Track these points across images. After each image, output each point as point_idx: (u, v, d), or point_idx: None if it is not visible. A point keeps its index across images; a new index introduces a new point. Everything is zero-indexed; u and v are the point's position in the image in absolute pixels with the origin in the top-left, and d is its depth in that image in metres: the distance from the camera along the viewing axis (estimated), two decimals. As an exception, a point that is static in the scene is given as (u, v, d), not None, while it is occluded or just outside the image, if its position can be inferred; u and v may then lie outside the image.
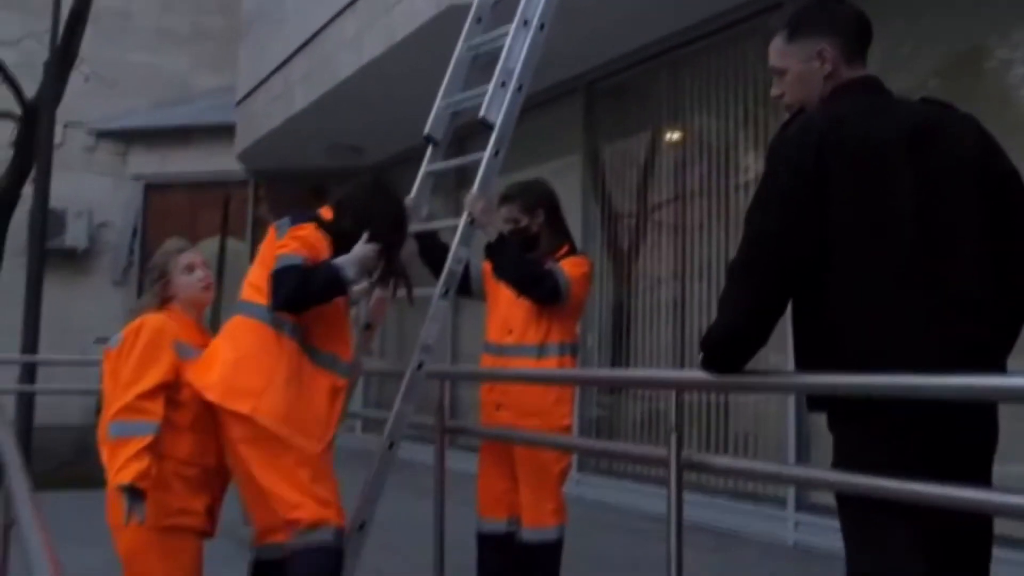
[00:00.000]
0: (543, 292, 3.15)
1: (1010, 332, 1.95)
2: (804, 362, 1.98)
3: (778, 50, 2.05)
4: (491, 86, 3.10)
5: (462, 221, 3.08)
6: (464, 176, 6.11)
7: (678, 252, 6.24)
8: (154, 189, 12.00)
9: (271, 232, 2.81)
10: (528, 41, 3.17)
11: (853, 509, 1.91)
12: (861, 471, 1.87)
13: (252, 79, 9.54)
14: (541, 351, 3.22)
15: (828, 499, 4.78)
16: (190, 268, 2.79)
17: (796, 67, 2.01)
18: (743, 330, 1.97)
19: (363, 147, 9.44)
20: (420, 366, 2.91)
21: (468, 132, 4.01)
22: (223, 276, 11.50)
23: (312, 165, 10.28)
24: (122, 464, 2.41)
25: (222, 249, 11.59)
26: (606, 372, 5.39)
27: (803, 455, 4.92)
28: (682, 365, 6.05)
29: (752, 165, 6.06)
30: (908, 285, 1.81)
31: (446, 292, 3.00)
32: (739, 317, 1.96)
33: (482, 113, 3.06)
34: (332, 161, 9.98)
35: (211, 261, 11.60)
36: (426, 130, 3.41)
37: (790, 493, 5.00)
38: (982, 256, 1.87)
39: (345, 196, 2.94)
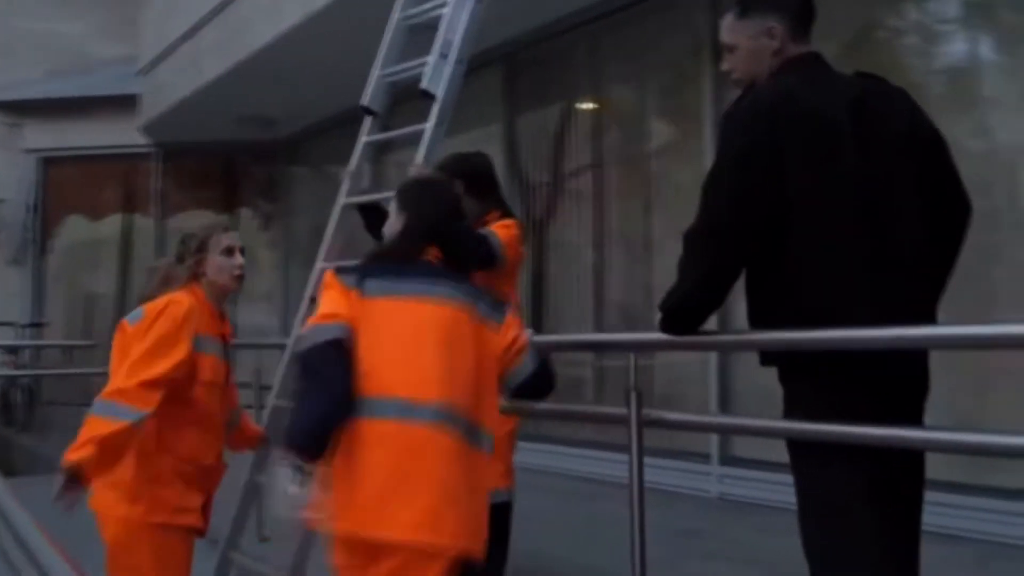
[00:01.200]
0: (479, 258, 3.23)
1: (940, 285, 2.14)
2: (758, 319, 2.12)
3: (729, 27, 2.16)
4: (432, 57, 3.12)
5: None
6: (389, 144, 6.12)
7: (595, 220, 6.42)
8: (51, 163, 11.48)
9: (468, 312, 2.18)
10: (467, 14, 3.20)
11: (805, 456, 2.07)
12: (812, 419, 2.03)
13: (156, 47, 9.23)
14: None
15: (749, 452, 5.09)
16: (230, 251, 2.63)
17: (746, 43, 2.13)
18: (701, 293, 2.10)
19: (275, 119, 9.28)
20: None
21: (396, 99, 4.02)
22: (130, 254, 11.18)
23: (221, 137, 10.04)
24: (82, 442, 2.26)
25: (126, 226, 11.25)
26: (564, 337, 5.53)
27: (725, 409, 5.19)
28: (600, 330, 6.26)
29: (665, 133, 6.25)
30: (854, 244, 1.97)
31: None
32: (698, 281, 2.09)
33: (424, 84, 3.08)
34: (242, 133, 9.77)
35: (114, 239, 11.29)
36: (364, 100, 3.41)
37: (713, 448, 5.25)
38: (916, 216, 2.04)
39: (446, 227, 2.37)
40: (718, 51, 5.48)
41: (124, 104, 10.23)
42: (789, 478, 4.87)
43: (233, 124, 9.38)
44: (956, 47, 4.76)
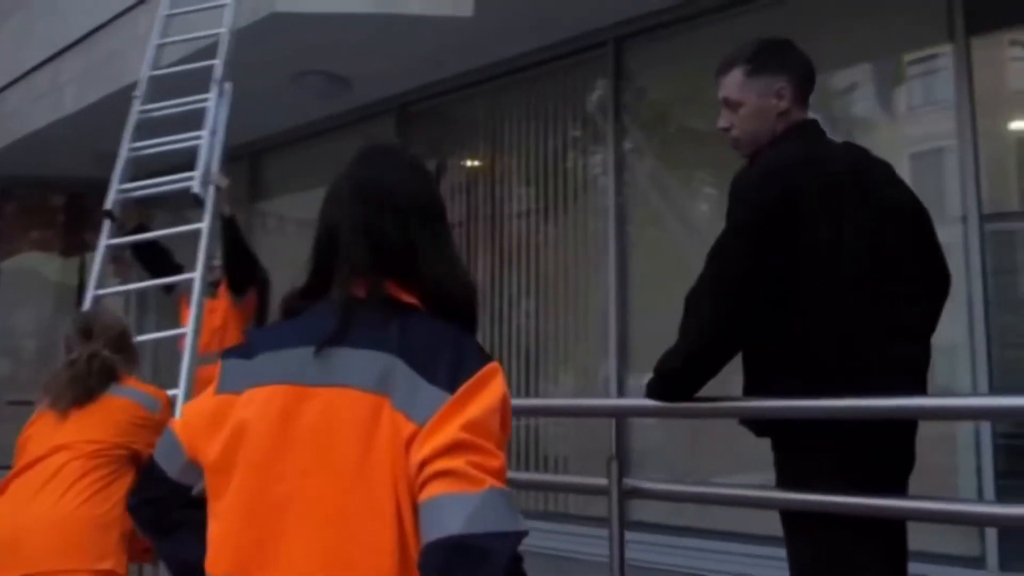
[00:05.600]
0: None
1: (929, 348, 2.16)
2: (758, 387, 2.05)
3: (738, 83, 2.11)
4: (199, 174, 3.89)
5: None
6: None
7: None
8: None
9: None
10: (218, 144, 4.03)
11: (802, 525, 2.01)
12: (811, 489, 1.98)
13: (5, 73, 8.49)
14: None
15: (651, 516, 5.04)
16: None
17: (754, 101, 2.09)
18: (703, 359, 2.02)
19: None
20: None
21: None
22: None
23: (72, 174, 9.32)
24: None
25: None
26: (544, 401, 5.38)
27: (625, 472, 5.12)
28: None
29: (525, 194, 6.25)
30: (861, 307, 1.95)
31: None
32: (701, 345, 2.01)
33: (195, 190, 3.84)
34: (100, 171, 9.09)
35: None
36: (107, 205, 3.91)
37: (614, 512, 5.16)
38: (915, 281, 2.05)
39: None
40: (620, 113, 5.67)
41: (-42, 132, 9.33)
42: (691, 542, 4.81)
43: (89, 160, 8.72)
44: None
